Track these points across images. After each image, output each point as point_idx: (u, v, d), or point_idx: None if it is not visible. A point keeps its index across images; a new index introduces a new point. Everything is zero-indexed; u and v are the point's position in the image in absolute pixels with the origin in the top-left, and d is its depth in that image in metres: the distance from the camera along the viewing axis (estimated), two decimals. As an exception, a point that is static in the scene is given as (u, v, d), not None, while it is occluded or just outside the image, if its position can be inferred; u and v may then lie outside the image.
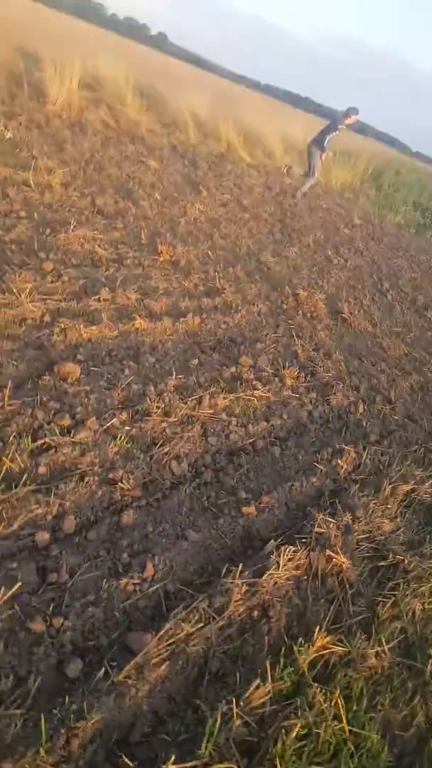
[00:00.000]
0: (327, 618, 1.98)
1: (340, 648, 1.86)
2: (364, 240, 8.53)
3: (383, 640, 1.96)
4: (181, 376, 2.95)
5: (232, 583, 1.90)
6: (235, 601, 1.87)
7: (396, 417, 3.55)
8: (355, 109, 8.53)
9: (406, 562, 2.31)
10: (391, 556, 2.32)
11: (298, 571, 2.08)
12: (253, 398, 3.03)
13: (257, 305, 4.25)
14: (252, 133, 12.02)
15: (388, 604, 2.11)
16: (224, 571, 1.98)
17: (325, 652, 1.83)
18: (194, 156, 9.06)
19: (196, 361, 3.20)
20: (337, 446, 2.97)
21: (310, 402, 3.31)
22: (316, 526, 2.25)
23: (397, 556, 2.32)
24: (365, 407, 3.50)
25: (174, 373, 2.97)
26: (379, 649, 1.93)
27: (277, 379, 3.37)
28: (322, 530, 2.23)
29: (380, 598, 2.13)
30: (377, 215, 11.46)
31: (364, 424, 3.33)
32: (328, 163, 10.64)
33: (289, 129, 13.57)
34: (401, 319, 5.56)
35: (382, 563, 2.30)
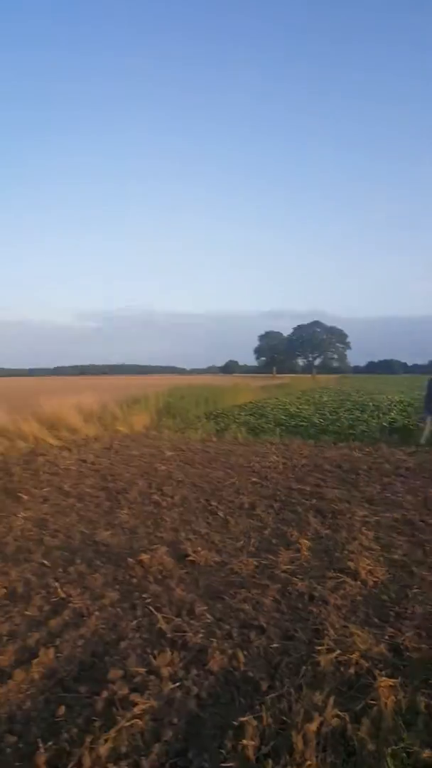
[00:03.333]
0: None
1: None
2: (180, 468, 9.13)
3: None
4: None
5: None
6: None
7: (276, 645, 3.51)
8: None
9: None
10: None
11: None
12: (137, 720, 2.72)
13: (107, 596, 4.11)
14: (52, 416, 12.97)
15: None
16: None
17: None
18: (5, 463, 9.34)
19: (63, 710, 2.81)
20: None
21: (192, 681, 3.11)
22: None
23: None
24: (246, 652, 3.41)
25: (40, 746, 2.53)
26: None
27: (152, 676, 3.13)
28: None
29: None
30: (182, 440, 12.50)
31: (252, 675, 3.21)
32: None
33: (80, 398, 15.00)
34: (237, 530, 5.77)
35: None
